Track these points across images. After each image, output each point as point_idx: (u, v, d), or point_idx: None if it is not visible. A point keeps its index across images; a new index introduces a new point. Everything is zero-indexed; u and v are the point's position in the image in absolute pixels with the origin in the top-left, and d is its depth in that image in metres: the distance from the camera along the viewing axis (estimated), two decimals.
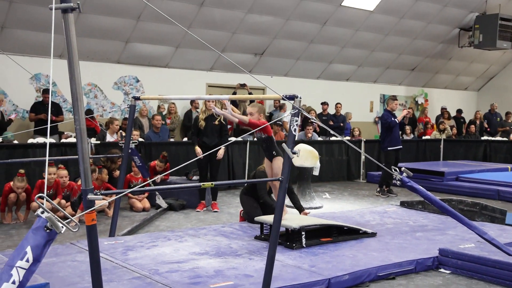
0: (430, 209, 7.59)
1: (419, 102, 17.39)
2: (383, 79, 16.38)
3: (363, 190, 10.70)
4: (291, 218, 5.87)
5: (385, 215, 7.44)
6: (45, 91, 10.50)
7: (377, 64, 15.67)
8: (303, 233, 5.55)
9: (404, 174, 4.80)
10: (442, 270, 5.17)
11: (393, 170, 4.79)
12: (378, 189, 10.00)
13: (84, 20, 10.32)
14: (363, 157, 12.03)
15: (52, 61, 3.08)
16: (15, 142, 8.94)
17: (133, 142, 6.06)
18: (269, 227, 5.75)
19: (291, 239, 5.58)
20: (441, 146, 13.55)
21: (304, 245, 5.52)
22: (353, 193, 10.31)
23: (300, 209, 6.75)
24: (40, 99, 10.71)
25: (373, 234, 6.17)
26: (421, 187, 4.84)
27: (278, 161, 5.56)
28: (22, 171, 7.03)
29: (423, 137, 14.52)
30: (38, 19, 10.04)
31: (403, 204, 8.22)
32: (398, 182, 4.83)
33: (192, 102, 11.89)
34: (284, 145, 3.93)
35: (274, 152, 5.63)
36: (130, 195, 7.97)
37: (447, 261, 5.17)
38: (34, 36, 10.44)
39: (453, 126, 15.22)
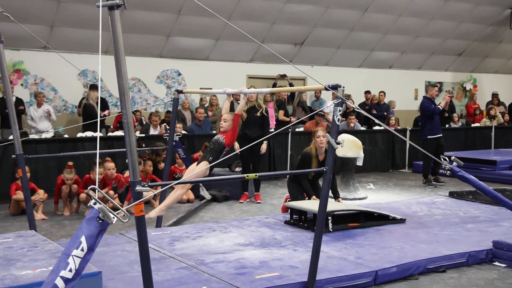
0: (482, 199, 7.38)
1: (467, 88, 16.95)
2: (428, 65, 16.03)
3: (408, 180, 10.55)
4: (317, 204, 5.92)
5: (433, 206, 7.32)
6: (92, 87, 10.78)
7: (422, 50, 15.34)
8: (329, 218, 5.69)
9: (454, 163, 4.69)
10: (496, 263, 5.00)
11: (442, 159, 4.69)
12: (424, 179, 9.83)
13: (127, 16, 10.53)
14: (408, 146, 11.86)
15: (100, 57, 3.17)
16: (66, 136, 9.24)
17: (177, 135, 6.18)
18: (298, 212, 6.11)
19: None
20: (492, 134, 13.15)
21: (331, 230, 5.69)
22: (398, 183, 10.19)
23: (336, 196, 6.80)
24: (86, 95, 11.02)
25: (402, 220, 6.22)
26: (473, 177, 4.70)
27: (202, 165, 4.92)
28: (70, 163, 7.31)
29: (472, 125, 14.15)
30: (85, 17, 10.31)
31: (452, 194, 8.06)
32: (448, 172, 4.70)
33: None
34: (328, 135, 3.94)
35: (210, 158, 4.96)
36: (174, 186, 8.11)
37: (502, 254, 4.98)
38: (81, 34, 10.75)
39: (505, 112, 14.75)
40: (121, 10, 3.10)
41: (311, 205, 6.08)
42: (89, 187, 2.69)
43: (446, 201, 7.66)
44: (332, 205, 6.10)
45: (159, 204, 6.16)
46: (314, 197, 6.73)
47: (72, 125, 9.95)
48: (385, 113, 13.32)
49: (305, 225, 5.94)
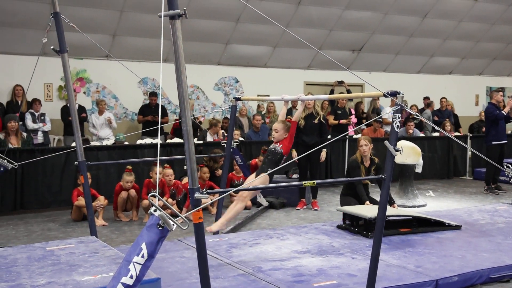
0: None
1: None
2: (489, 70, 15.48)
3: (469, 187, 10.18)
4: (369, 209, 6.11)
5: (495, 214, 7.03)
6: (152, 94, 11.01)
7: (483, 55, 14.84)
8: None
9: None
10: None
11: (505, 166, 4.51)
12: (485, 187, 9.48)
13: (187, 24, 10.69)
14: (469, 153, 11.47)
15: (161, 66, 3.22)
16: (126, 143, 9.44)
17: (234, 142, 6.19)
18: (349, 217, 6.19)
19: (367, 228, 5.81)
20: None
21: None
22: (458, 190, 9.85)
23: (391, 202, 6.81)
24: (147, 101, 11.25)
25: (457, 227, 6.11)
26: None
27: (263, 179, 4.91)
28: (129, 167, 7.45)
29: None
30: (146, 26, 10.56)
31: None
32: (511, 179, 4.53)
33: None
34: (386, 142, 3.83)
35: (269, 169, 4.93)
36: (232, 193, 8.15)
37: None
38: (142, 42, 11.00)
39: None
40: (182, 19, 3.11)
41: (363, 210, 6.12)
42: (149, 194, 2.71)
43: (509, 209, 7.34)
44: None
45: (216, 211, 6.19)
46: (367, 202, 6.78)
47: (132, 132, 10.17)
48: (447, 120, 12.93)
49: (356, 230, 6.00)
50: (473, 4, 12.86)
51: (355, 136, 11.05)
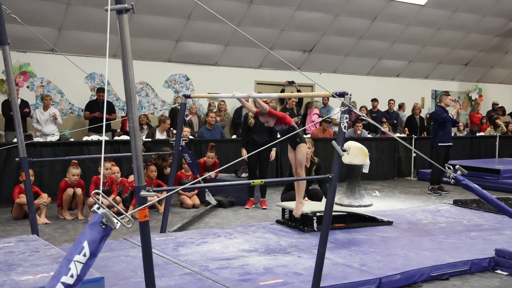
0: (485, 208, 7.36)
1: (473, 98, 16.88)
2: (435, 74, 15.98)
3: (414, 188, 10.48)
4: (306, 205, 6.37)
5: (437, 214, 7.27)
6: (99, 90, 10.79)
7: (429, 59, 15.30)
8: (314, 218, 6.07)
9: (459, 172, 4.67)
10: (499, 271, 5.00)
11: (447, 168, 4.67)
12: (429, 187, 9.79)
13: (136, 20, 10.53)
14: (414, 154, 11.81)
15: (107, 61, 3.15)
16: (71, 139, 9.22)
17: (183, 140, 6.14)
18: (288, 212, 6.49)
19: (304, 223, 6.16)
20: (497, 143, 13.11)
21: (316, 229, 6.00)
22: (404, 191, 10.12)
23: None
24: (94, 97, 11.02)
25: (389, 223, 6.47)
26: (477, 186, 4.70)
27: (302, 148, 5.53)
28: (75, 161, 7.27)
29: (477, 134, 14.10)
30: (93, 20, 10.33)
31: (456, 202, 8.01)
32: (452, 180, 4.71)
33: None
34: (334, 142, 3.89)
35: (298, 139, 5.50)
36: (180, 191, 8.09)
37: (505, 262, 4.99)
38: (89, 37, 10.75)
39: (509, 122, 14.70)
40: (130, 14, 3.08)
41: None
42: (93, 192, 2.65)
43: (450, 209, 7.61)
44: (318, 205, 6.46)
45: (164, 209, 6.13)
46: (306, 198, 7.20)
47: (78, 128, 9.93)
48: (395, 121, 13.28)
49: (293, 225, 6.29)
50: (420, 9, 13.23)
51: (305, 137, 11.18)
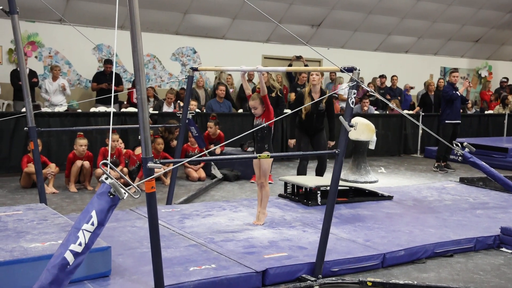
0: (492, 186, 7.35)
1: (482, 75, 16.72)
2: (444, 51, 15.82)
3: (420, 165, 10.48)
4: (310, 179, 6.45)
5: (443, 191, 7.27)
6: (107, 62, 10.76)
7: (439, 36, 15.13)
8: (318, 192, 6.11)
9: (466, 149, 4.66)
10: (504, 249, 5.02)
11: (454, 145, 4.66)
12: (435, 164, 9.77)
13: None
14: (420, 131, 11.77)
15: (116, 32, 3.14)
16: (79, 110, 9.24)
17: (190, 113, 6.14)
18: (290, 186, 6.53)
19: (308, 197, 6.18)
20: (505, 121, 13.03)
21: (319, 203, 6.04)
22: (409, 168, 10.12)
23: (332, 139, 7.08)
24: (102, 69, 11.00)
25: (389, 197, 6.56)
26: (484, 163, 4.69)
27: (267, 161, 5.17)
28: (81, 133, 7.30)
29: (486, 112, 14.00)
30: None
31: (462, 180, 8.01)
32: (460, 157, 4.69)
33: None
34: (341, 117, 3.89)
35: (266, 145, 5.17)
36: (186, 164, 8.13)
37: (510, 240, 5.02)
38: (97, 7, 10.68)
39: None
40: None
41: (304, 180, 6.50)
42: (101, 162, 2.67)
43: (456, 187, 7.61)
44: (322, 180, 6.50)
45: (170, 181, 6.16)
46: (290, 140, 7.22)
47: (85, 99, 9.94)
48: (399, 98, 13.20)
49: (296, 199, 6.32)
50: None
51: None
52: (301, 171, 7.29)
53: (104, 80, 10.56)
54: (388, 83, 13.61)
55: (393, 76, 13.48)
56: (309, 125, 7.03)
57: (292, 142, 7.27)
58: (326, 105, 6.96)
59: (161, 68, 12.12)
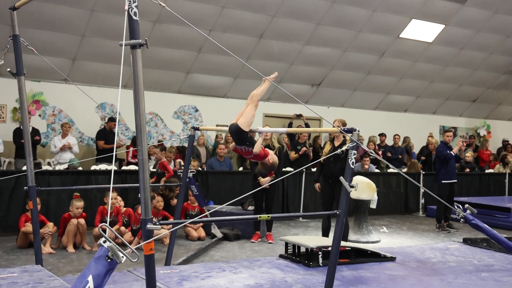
0: (496, 247, 7.17)
1: (481, 134, 16.81)
2: (442, 110, 15.99)
3: (422, 224, 10.36)
4: (311, 239, 6.37)
5: (446, 252, 7.13)
6: (110, 119, 10.84)
7: (437, 95, 15.33)
8: (320, 253, 5.93)
9: (468, 211, 4.60)
10: None
11: (455, 206, 4.61)
12: (437, 225, 9.66)
13: (148, 52, 10.58)
14: (422, 190, 11.71)
15: (120, 92, 3.16)
16: (80, 168, 9.23)
17: (191, 171, 6.12)
18: (291, 246, 6.37)
19: (309, 258, 6.02)
20: (506, 181, 12.98)
21: (321, 264, 5.86)
22: (412, 227, 10.00)
23: None
24: (103, 126, 11.07)
25: (392, 258, 6.37)
26: (487, 226, 4.62)
27: (250, 110, 5.05)
28: (77, 193, 7.30)
29: (486, 171, 13.99)
30: (106, 52, 10.49)
31: (466, 241, 7.86)
32: (462, 219, 4.63)
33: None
34: (342, 178, 3.86)
35: (247, 142, 5.02)
36: (187, 224, 8.03)
37: None
38: (101, 67, 10.90)
39: None
40: (144, 48, 3.10)
41: (305, 240, 6.42)
42: (99, 226, 2.62)
43: (460, 248, 7.46)
44: (323, 240, 6.41)
45: (169, 241, 6.07)
46: (315, 184, 7.54)
47: (88, 158, 9.95)
48: (400, 156, 13.21)
49: (297, 259, 6.14)
50: (428, 46, 13.33)
51: (313, 169, 11.16)
52: (325, 227, 7.47)
53: (108, 138, 10.60)
54: (388, 141, 13.68)
55: (395, 135, 13.55)
56: (328, 169, 7.32)
57: (316, 186, 7.65)
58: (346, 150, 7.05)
59: (163, 126, 12.21)
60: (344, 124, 6.95)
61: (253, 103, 4.97)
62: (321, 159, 7.06)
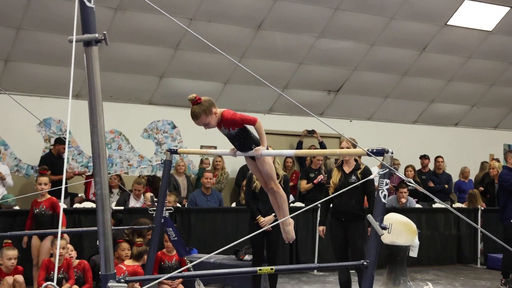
0: None
1: None
2: (507, 123, 16.00)
3: (482, 279, 10.36)
4: None
5: None
6: (57, 141, 10.84)
7: (499, 103, 15.33)
8: None
9: None
10: None
11: None
12: (503, 280, 9.64)
13: (108, 50, 10.67)
14: (480, 233, 11.68)
15: (70, 104, 3.16)
16: (16, 207, 9.23)
17: (167, 209, 6.15)
18: None
19: None
20: None
21: None
22: (468, 283, 10.01)
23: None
24: (48, 151, 11.09)
25: None
26: None
27: (265, 158, 5.27)
28: (8, 240, 7.34)
29: None
30: (51, 50, 10.56)
31: None
32: None
33: None
34: (370, 216, 3.89)
35: (253, 145, 5.27)
36: (163, 281, 8.04)
37: None
38: (45, 71, 10.96)
39: None
40: (101, 46, 3.15)
41: None
42: (43, 285, 2.66)
43: None
44: None
45: None
46: (319, 228, 7.76)
47: (26, 194, 9.93)
48: (446, 186, 13.19)
49: None
50: (486, 36, 13.32)
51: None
52: (344, 281, 7.56)
53: (54, 166, 10.60)
54: (431, 166, 13.69)
55: (438, 157, 13.53)
56: (339, 204, 7.40)
57: (320, 229, 7.73)
58: (362, 177, 7.10)
59: (128, 149, 12.25)
60: (353, 145, 7.06)
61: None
62: (333, 194, 7.05)
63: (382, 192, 3.92)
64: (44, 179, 8.13)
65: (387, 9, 12.12)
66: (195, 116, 5.15)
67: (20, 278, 7.22)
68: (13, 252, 7.26)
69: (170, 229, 6.39)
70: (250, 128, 5.22)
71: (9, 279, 7.16)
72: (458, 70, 14.02)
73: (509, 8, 12.83)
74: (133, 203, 9.96)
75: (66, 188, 10.64)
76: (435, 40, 13.11)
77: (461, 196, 13.55)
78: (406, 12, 12.23)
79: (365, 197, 7.62)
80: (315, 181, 11.46)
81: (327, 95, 13.55)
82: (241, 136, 5.25)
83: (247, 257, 8.67)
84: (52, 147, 11.09)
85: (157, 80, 12.04)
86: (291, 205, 9.59)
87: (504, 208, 9.63)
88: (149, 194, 10.01)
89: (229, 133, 5.25)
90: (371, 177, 5.01)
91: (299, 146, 13.05)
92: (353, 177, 7.40)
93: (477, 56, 13.80)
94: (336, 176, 7.52)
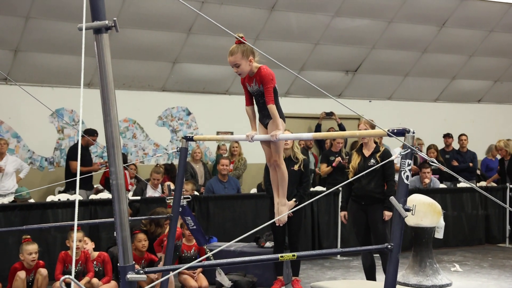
0: None
1: None
2: None
3: (511, 259, 10.32)
4: (354, 285, 6.60)
5: None
6: (87, 132, 10.76)
7: None
8: None
9: None
10: None
11: None
12: None
13: (120, 37, 10.69)
14: (508, 212, 11.63)
15: (82, 93, 3.17)
16: (31, 200, 9.29)
17: (184, 198, 6.16)
18: None
19: None
20: None
21: None
22: (496, 263, 9.97)
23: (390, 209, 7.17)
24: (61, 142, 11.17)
25: None
26: None
27: (276, 126, 5.33)
28: (27, 236, 7.36)
29: None
30: (61, 39, 10.58)
31: None
32: None
33: None
34: (392, 198, 3.87)
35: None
36: (183, 271, 8.08)
37: None
38: (55, 61, 10.99)
39: None
40: (111, 33, 3.14)
41: (347, 287, 6.60)
42: (62, 278, 2.66)
43: None
44: (372, 286, 6.59)
45: None
46: (341, 213, 7.90)
47: (41, 186, 9.99)
48: (471, 164, 13.12)
49: None
50: (508, 8, 13.22)
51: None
52: (368, 266, 7.55)
53: (86, 157, 10.68)
54: (455, 145, 13.62)
55: (461, 135, 13.46)
56: (358, 188, 7.48)
57: (342, 215, 7.89)
58: (381, 160, 7.11)
59: (143, 137, 12.28)
60: (372, 126, 7.07)
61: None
62: (352, 178, 7.01)
63: (404, 173, 3.89)
64: (33, 248, 7.30)
65: None
66: (231, 52, 5.32)
67: (44, 271, 7.26)
68: (33, 247, 7.28)
69: (189, 218, 6.39)
70: None
71: (21, 274, 7.19)
72: (479, 45, 13.92)
73: None
74: (150, 192, 10.00)
75: (82, 180, 10.68)
76: (455, 15, 13.01)
77: (489, 174, 13.48)
78: None
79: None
80: (334, 164, 11.43)
81: (345, 75, 13.51)
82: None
83: (268, 244, 8.68)
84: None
85: (170, 66, 12.05)
86: (312, 189, 9.57)
87: None
88: (166, 183, 10.06)
89: (258, 89, 5.34)
90: (391, 158, 4.97)
91: (318, 129, 13.03)
92: (372, 161, 7.42)
93: (499, 29, 13.70)
94: (355, 160, 7.55)
